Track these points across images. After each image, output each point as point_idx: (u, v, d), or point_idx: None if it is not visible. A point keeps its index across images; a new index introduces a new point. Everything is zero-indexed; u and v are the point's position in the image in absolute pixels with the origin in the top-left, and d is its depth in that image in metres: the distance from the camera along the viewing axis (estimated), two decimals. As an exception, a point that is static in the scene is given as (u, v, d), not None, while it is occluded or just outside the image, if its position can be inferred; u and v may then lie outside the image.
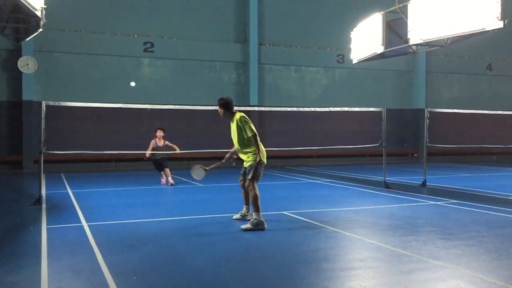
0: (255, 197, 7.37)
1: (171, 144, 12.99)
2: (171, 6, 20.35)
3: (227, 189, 12.94)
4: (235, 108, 8.06)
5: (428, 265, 5.31)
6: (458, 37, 10.73)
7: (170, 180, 13.08)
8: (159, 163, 13.14)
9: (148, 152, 12.79)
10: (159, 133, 13.01)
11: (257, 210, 7.31)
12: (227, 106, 7.71)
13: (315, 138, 21.11)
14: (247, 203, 7.88)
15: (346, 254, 6.03)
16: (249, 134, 7.38)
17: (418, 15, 10.69)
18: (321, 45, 22.50)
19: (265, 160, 7.53)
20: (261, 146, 7.51)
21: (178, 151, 12.82)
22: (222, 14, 21.14)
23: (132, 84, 13.61)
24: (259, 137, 7.53)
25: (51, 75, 18.70)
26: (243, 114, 7.65)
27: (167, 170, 13.13)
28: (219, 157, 8.91)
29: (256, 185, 7.44)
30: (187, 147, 15.38)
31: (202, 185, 13.46)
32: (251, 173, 7.44)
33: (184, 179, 14.59)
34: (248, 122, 7.47)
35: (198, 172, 8.30)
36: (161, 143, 13.00)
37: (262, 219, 7.27)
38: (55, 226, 7.54)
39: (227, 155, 8.47)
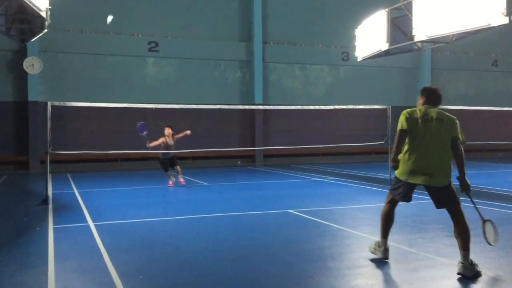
0: (382, 214, 5.72)
1: (181, 135, 12.48)
2: (175, 5, 20.35)
3: (231, 188, 12.94)
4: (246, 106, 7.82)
5: (435, 263, 5.30)
6: (463, 34, 10.69)
7: (181, 179, 12.63)
8: (168, 163, 12.57)
9: (153, 143, 12.10)
10: (168, 131, 12.40)
11: (381, 232, 5.60)
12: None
13: (320, 136, 21.09)
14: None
15: (352, 252, 6.02)
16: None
17: (423, 11, 10.65)
18: (325, 43, 22.45)
19: (401, 175, 5.31)
20: (402, 152, 5.32)
21: (188, 132, 12.38)
22: (226, 13, 21.13)
23: (109, 19, 12.60)
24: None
25: (56, 75, 18.76)
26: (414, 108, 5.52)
27: (178, 168, 12.62)
28: (223, 156, 8.90)
29: (389, 201, 5.70)
30: (192, 146, 15.39)
31: (207, 184, 13.49)
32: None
33: (189, 178, 14.61)
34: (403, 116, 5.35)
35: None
36: (171, 141, 12.41)
37: (384, 246, 5.53)
38: (62, 226, 7.57)
39: None
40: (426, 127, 5.19)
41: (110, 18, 10.84)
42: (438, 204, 5.41)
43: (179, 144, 12.96)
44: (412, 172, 5.18)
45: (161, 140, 12.28)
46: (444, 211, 8.34)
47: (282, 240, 6.59)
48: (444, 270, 5.07)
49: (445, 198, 5.32)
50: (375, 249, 5.58)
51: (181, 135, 12.46)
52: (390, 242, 6.22)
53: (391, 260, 5.53)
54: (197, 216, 8.47)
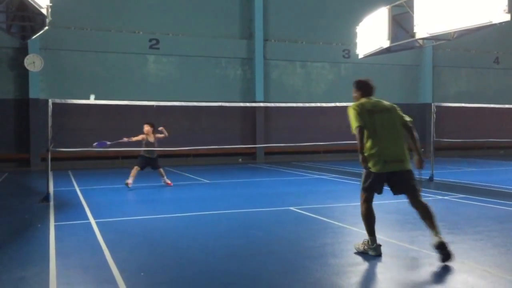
0: (363, 214, 5.75)
1: (161, 135, 11.76)
2: (176, 2, 20.34)
3: (232, 185, 12.94)
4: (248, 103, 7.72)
5: (436, 260, 5.29)
6: (465, 31, 10.67)
7: (167, 180, 12.04)
8: (148, 162, 11.78)
9: (133, 138, 11.52)
10: (147, 128, 11.67)
11: (367, 232, 5.63)
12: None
13: (321, 133, 21.06)
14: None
15: (353, 249, 6.02)
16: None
17: (424, 9, 10.63)
18: (326, 40, 22.43)
19: (374, 167, 5.40)
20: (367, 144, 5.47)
21: (167, 134, 11.70)
22: (227, 10, 21.11)
23: (92, 98, 12.63)
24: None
25: (57, 72, 18.76)
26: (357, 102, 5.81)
27: (161, 171, 12.00)
28: (224, 154, 8.90)
29: (365, 199, 5.75)
30: (193, 144, 15.41)
31: (208, 181, 13.49)
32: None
33: (190, 175, 14.62)
34: (353, 111, 5.61)
35: None
36: (152, 139, 11.73)
37: (375, 244, 5.54)
38: (63, 223, 7.58)
39: None
40: (380, 118, 5.45)
41: (92, 97, 11.04)
42: (400, 189, 5.54)
43: (180, 142, 12.94)
44: (385, 162, 5.34)
45: (141, 137, 11.67)
46: (447, 209, 8.32)
47: (283, 237, 6.59)
48: (445, 267, 5.07)
49: (408, 179, 5.44)
50: (365, 249, 5.55)
51: (161, 136, 11.76)
52: (391, 240, 6.22)
53: (392, 257, 5.53)
54: (198, 213, 8.47)
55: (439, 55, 24.28)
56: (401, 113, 5.68)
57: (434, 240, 5.15)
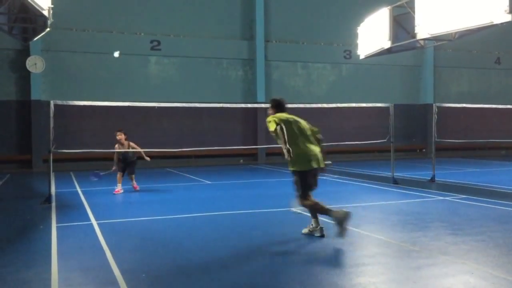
0: (310, 207, 6.54)
1: (135, 146, 11.56)
2: (177, 4, 20.36)
3: (234, 186, 12.94)
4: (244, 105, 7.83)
5: (437, 261, 5.29)
6: (466, 31, 10.65)
7: (135, 184, 11.64)
8: (127, 165, 11.55)
9: (115, 160, 11.51)
10: (120, 136, 11.43)
11: (324, 213, 6.46)
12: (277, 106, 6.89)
13: (323, 134, 20.84)
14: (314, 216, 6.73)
15: (355, 250, 6.02)
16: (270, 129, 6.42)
17: (425, 9, 10.62)
18: (327, 41, 22.42)
19: (300, 167, 6.40)
20: (300, 148, 6.42)
21: (142, 152, 11.52)
22: (228, 11, 21.13)
23: (116, 54, 12.54)
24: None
25: (59, 74, 18.79)
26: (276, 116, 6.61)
27: (133, 177, 11.66)
28: (226, 155, 8.91)
29: (305, 197, 6.47)
30: (194, 145, 15.42)
31: (209, 182, 13.50)
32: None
33: (191, 176, 14.63)
34: (271, 118, 6.50)
35: None
36: (126, 146, 11.49)
37: (317, 227, 6.56)
38: (65, 224, 7.59)
39: None
40: (297, 127, 6.61)
41: (117, 53, 11.03)
42: (316, 182, 6.60)
43: (181, 143, 12.94)
44: (310, 161, 6.45)
45: (117, 148, 11.52)
46: (448, 210, 8.33)
47: (284, 238, 6.58)
48: (447, 268, 5.07)
49: (318, 176, 6.63)
50: (310, 231, 6.61)
51: (136, 146, 11.53)
52: (392, 240, 6.23)
53: (394, 258, 5.54)
54: (200, 214, 8.48)
55: (440, 55, 24.26)
56: (310, 124, 6.94)
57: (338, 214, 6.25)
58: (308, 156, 6.43)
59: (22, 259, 5.55)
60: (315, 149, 6.58)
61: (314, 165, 6.43)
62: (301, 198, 6.47)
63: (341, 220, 6.15)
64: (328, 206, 6.42)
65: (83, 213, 8.59)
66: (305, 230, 6.70)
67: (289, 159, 6.32)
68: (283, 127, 6.35)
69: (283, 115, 6.64)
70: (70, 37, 18.75)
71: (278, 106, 6.89)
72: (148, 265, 5.28)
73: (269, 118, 6.53)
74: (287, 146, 6.28)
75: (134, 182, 11.69)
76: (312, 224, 6.63)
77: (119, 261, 5.39)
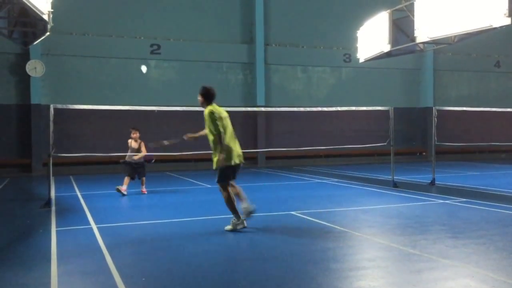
0: (226, 200, 7.13)
1: (144, 148, 11.57)
2: (177, 8, 20.40)
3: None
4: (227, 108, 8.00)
5: (438, 264, 5.28)
6: (465, 35, 10.68)
7: (144, 188, 11.79)
8: (135, 169, 11.55)
9: (134, 156, 11.40)
10: (135, 135, 11.59)
11: (232, 212, 7.11)
12: (206, 95, 7.29)
13: (323, 137, 21.07)
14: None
15: (355, 254, 6.01)
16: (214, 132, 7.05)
17: (425, 13, 10.65)
18: (327, 45, 22.46)
19: (230, 161, 7.06)
20: (228, 145, 7.08)
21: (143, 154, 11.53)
22: (228, 15, 21.17)
23: (143, 69, 13.13)
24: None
25: (59, 78, 18.80)
26: (212, 109, 7.11)
27: (143, 180, 11.77)
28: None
29: (225, 188, 7.14)
30: (194, 148, 15.35)
31: (209, 186, 13.49)
32: (216, 176, 7.19)
33: (191, 180, 14.62)
34: (215, 119, 7.02)
35: None
36: (136, 145, 11.59)
37: (240, 219, 7.13)
38: (65, 228, 7.58)
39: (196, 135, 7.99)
40: (227, 122, 7.22)
41: (144, 69, 11.74)
42: (235, 176, 7.29)
43: (181, 146, 12.92)
44: (237, 156, 7.15)
45: (131, 143, 11.64)
46: (448, 213, 8.35)
47: (285, 241, 6.58)
48: (447, 271, 5.06)
49: (239, 170, 7.29)
50: (233, 226, 7.10)
51: (143, 148, 11.57)
52: (393, 244, 6.22)
53: (394, 262, 5.53)
54: (200, 218, 8.47)
55: (440, 59, 24.29)
56: None
57: (249, 207, 7.16)
58: (235, 152, 7.15)
59: (21, 263, 5.54)
60: (238, 145, 7.28)
61: (238, 161, 7.19)
62: (223, 189, 7.16)
63: (233, 228, 7.08)
64: (236, 209, 7.10)
65: (82, 217, 8.58)
66: (228, 227, 7.14)
67: (220, 157, 7.00)
68: (224, 124, 7.05)
69: (221, 110, 7.22)
70: (70, 41, 18.77)
71: (209, 97, 7.29)
72: (148, 269, 5.27)
73: (210, 115, 7.06)
74: (224, 142, 6.97)
75: (144, 186, 11.74)
76: (234, 219, 7.15)
77: (119, 265, 5.38)
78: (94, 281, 4.94)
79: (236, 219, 7.10)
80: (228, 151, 7.05)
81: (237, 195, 7.24)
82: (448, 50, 23.41)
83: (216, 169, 7.19)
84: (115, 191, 11.30)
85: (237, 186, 7.30)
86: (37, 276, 5.09)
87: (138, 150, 11.59)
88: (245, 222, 7.14)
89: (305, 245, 6.33)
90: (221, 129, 6.98)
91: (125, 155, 11.66)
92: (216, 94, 7.37)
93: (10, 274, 5.15)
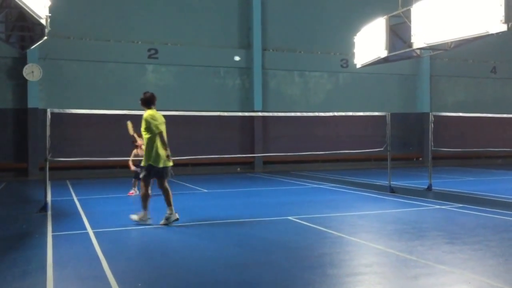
0: (144, 195, 8.11)
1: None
2: (174, 12, 20.43)
3: (231, 195, 12.92)
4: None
5: (434, 270, 5.28)
6: (462, 41, 10.72)
7: (136, 190, 11.87)
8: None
9: (131, 164, 11.81)
10: (141, 142, 11.46)
11: (144, 206, 8.11)
12: (145, 101, 8.27)
13: (320, 142, 21.10)
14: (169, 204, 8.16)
15: (352, 259, 6.01)
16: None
17: (422, 19, 10.69)
18: (324, 50, 22.51)
19: (158, 163, 7.87)
20: (157, 149, 7.88)
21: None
22: (225, 20, 21.20)
23: (237, 58, 13.72)
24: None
25: (56, 82, 18.78)
26: (152, 114, 8.06)
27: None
28: (223, 163, 8.95)
29: (146, 186, 8.09)
30: (192, 153, 15.38)
31: (206, 190, 13.48)
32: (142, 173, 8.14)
33: (188, 185, 14.61)
34: (150, 121, 7.92)
35: None
36: (142, 151, 11.48)
37: (147, 217, 8.07)
38: (61, 233, 7.56)
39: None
40: (163, 128, 8.06)
41: (237, 58, 12.57)
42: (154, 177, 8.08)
43: (178, 151, 12.92)
44: (164, 161, 7.88)
45: (134, 153, 11.99)
46: (445, 219, 8.37)
47: (282, 247, 6.57)
48: (444, 277, 5.06)
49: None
50: (141, 219, 8.01)
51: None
52: (390, 250, 6.23)
53: (391, 267, 5.53)
54: (196, 223, 8.46)
55: (436, 64, 24.38)
56: None
57: (173, 214, 8.04)
58: (163, 156, 7.91)
59: (17, 268, 5.51)
60: (168, 150, 7.99)
61: (164, 164, 7.93)
62: (144, 185, 8.02)
63: (139, 221, 8.02)
64: (147, 206, 8.09)
65: (79, 222, 8.56)
66: (162, 221, 7.98)
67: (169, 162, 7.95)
68: (161, 129, 7.92)
69: (157, 115, 8.09)
70: (68, 45, 18.76)
71: (148, 102, 8.24)
72: (144, 275, 5.26)
73: (150, 119, 7.92)
74: (167, 151, 7.92)
75: (135, 188, 11.99)
76: (167, 213, 8.04)
77: (115, 270, 5.36)
78: (90, 286, 4.92)
79: (143, 215, 8.06)
80: (157, 154, 7.86)
81: (165, 199, 8.14)
82: (445, 56, 23.49)
83: (144, 166, 8.02)
84: (124, 196, 11.66)
85: (166, 189, 8.06)
86: (33, 281, 5.06)
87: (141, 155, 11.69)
88: (150, 220, 8.07)
89: (301, 251, 6.32)
90: (156, 130, 7.90)
91: (126, 160, 11.83)
92: (155, 99, 8.31)
93: (6, 279, 5.12)
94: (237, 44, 21.37)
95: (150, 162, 7.87)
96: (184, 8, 20.57)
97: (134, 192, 12.00)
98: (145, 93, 8.38)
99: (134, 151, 12.03)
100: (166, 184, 8.05)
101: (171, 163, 8.05)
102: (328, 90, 22.79)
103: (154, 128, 7.86)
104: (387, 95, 23.49)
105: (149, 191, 8.12)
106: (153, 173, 7.97)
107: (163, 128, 8.04)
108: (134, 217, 8.11)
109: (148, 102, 8.24)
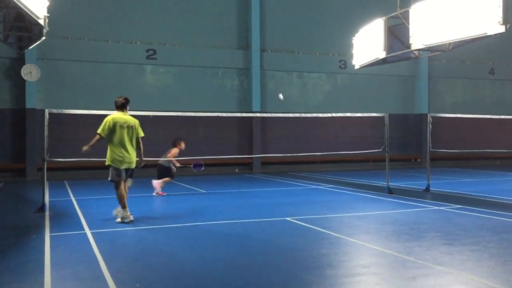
0: (117, 196, 8.46)
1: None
2: (173, 13, 20.43)
3: (229, 195, 12.92)
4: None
5: (432, 271, 5.29)
6: (460, 42, 10.75)
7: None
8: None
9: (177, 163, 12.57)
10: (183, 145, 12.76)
11: (122, 205, 8.44)
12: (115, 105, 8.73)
13: (318, 143, 21.11)
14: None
15: (350, 260, 6.01)
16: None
17: (420, 20, 10.71)
18: (323, 51, 22.53)
19: (114, 164, 8.34)
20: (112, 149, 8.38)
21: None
22: (224, 21, 21.21)
23: (280, 96, 14.41)
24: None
25: (54, 83, 18.76)
26: (112, 116, 8.58)
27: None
28: (221, 164, 8.95)
29: (117, 187, 8.44)
30: (190, 154, 15.34)
31: (204, 191, 13.48)
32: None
33: (186, 186, 14.60)
34: (105, 124, 8.44)
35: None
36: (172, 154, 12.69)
37: (128, 215, 8.42)
38: (59, 233, 7.54)
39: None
40: (123, 131, 8.31)
41: (281, 96, 13.07)
42: (128, 176, 8.55)
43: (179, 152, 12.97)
44: (122, 163, 8.31)
45: (176, 152, 12.70)
46: (443, 220, 8.38)
47: (280, 248, 6.57)
48: (442, 278, 5.06)
49: (131, 173, 8.58)
50: (123, 218, 8.31)
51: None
52: (388, 251, 6.23)
53: (389, 268, 5.53)
54: (194, 223, 8.45)
55: (434, 66, 24.42)
56: (139, 128, 8.58)
57: (129, 216, 8.36)
58: (118, 158, 8.29)
59: (14, 269, 5.50)
60: (131, 155, 8.38)
61: (126, 166, 8.34)
62: (115, 187, 8.43)
63: (124, 219, 8.31)
64: (126, 204, 8.39)
65: (77, 223, 8.55)
66: (118, 220, 8.38)
67: (86, 148, 8.57)
68: (103, 136, 8.38)
69: (121, 118, 8.43)
70: (66, 45, 18.75)
71: (118, 105, 8.69)
72: (143, 275, 5.25)
73: (107, 119, 8.44)
74: (91, 145, 8.53)
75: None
76: (121, 212, 8.40)
77: (113, 271, 5.35)
78: (88, 287, 4.91)
79: (124, 212, 8.38)
80: (109, 155, 8.38)
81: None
82: (443, 57, 23.54)
83: (106, 165, 8.51)
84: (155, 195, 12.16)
85: (125, 189, 8.51)
86: (31, 282, 5.05)
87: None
88: (131, 217, 8.42)
89: (299, 251, 6.32)
90: (101, 133, 8.38)
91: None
92: (121, 104, 8.67)
93: (3, 280, 5.11)
94: (235, 45, 21.38)
95: (109, 162, 8.41)
96: (182, 9, 20.58)
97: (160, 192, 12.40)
98: (119, 98, 8.83)
99: (175, 151, 12.58)
100: (120, 186, 8.38)
101: (123, 166, 8.32)
102: (326, 91, 22.81)
103: (99, 129, 8.42)
104: (386, 96, 23.52)
105: (123, 191, 8.42)
106: (116, 173, 8.40)
107: (122, 131, 8.35)
108: (116, 213, 8.56)
109: (117, 106, 8.70)
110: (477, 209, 9.61)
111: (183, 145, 12.70)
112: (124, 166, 8.31)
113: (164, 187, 12.52)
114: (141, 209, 10.38)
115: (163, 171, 12.52)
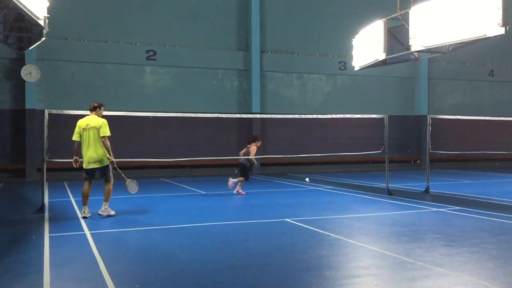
0: (84, 193, 9.24)
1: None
2: (173, 14, 20.45)
3: (228, 196, 12.91)
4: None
5: (432, 273, 5.29)
6: (460, 44, 10.74)
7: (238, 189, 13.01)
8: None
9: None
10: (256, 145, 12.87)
11: (84, 202, 9.12)
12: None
13: (317, 145, 21.11)
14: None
15: (349, 261, 6.01)
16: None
17: (420, 22, 10.71)
18: (323, 52, 22.55)
19: (84, 164, 9.07)
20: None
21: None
22: (224, 22, 21.23)
23: (307, 180, 15.29)
24: None
25: (54, 83, 18.77)
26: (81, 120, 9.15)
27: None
28: (221, 164, 8.94)
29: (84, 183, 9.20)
30: (189, 155, 15.40)
31: (203, 192, 13.47)
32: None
33: (186, 187, 14.60)
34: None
35: (132, 186, 9.88)
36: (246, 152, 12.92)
37: (87, 212, 9.10)
38: (58, 234, 7.54)
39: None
40: (87, 133, 8.91)
41: (307, 179, 14.79)
42: (99, 176, 9.13)
43: (176, 152, 12.95)
44: (87, 163, 8.94)
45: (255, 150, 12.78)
46: (442, 221, 8.38)
47: (279, 249, 6.57)
48: (441, 280, 5.06)
49: (104, 173, 9.07)
50: (84, 213, 8.94)
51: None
52: (387, 252, 6.23)
53: (388, 270, 5.53)
54: (194, 224, 8.45)
55: (434, 67, 24.44)
56: (104, 128, 8.95)
57: (85, 213, 8.97)
58: (85, 158, 8.95)
59: (14, 270, 5.50)
60: (96, 155, 8.89)
61: (92, 166, 8.96)
62: (84, 183, 9.05)
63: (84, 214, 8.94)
64: (87, 202, 9.05)
65: (76, 223, 8.54)
66: (104, 214, 9.04)
67: (75, 165, 9.15)
68: (79, 132, 8.98)
69: (84, 122, 9.06)
70: (66, 46, 18.76)
71: (90, 110, 9.38)
72: (142, 276, 5.25)
73: (77, 127, 9.07)
74: (77, 155, 9.10)
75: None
76: (107, 210, 9.14)
77: (113, 272, 5.35)
78: (87, 287, 4.90)
79: (86, 210, 9.03)
80: (83, 156, 8.99)
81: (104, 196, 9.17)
82: (443, 59, 23.57)
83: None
84: (236, 194, 12.51)
85: (108, 188, 9.18)
86: (30, 282, 5.05)
87: (246, 153, 12.78)
88: (88, 214, 9.06)
89: (299, 253, 6.32)
90: (74, 139, 8.98)
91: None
92: (92, 107, 9.37)
93: (3, 280, 5.11)
94: (235, 46, 21.40)
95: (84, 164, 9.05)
96: (182, 10, 20.59)
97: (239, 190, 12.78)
98: (93, 101, 9.60)
99: (254, 149, 12.73)
100: (85, 184, 9.10)
101: (90, 166, 8.96)
102: (326, 92, 22.83)
103: (73, 136, 9.03)
104: (385, 98, 23.53)
105: (87, 189, 9.13)
106: (85, 173, 9.13)
107: (86, 133, 8.95)
108: (103, 210, 9.21)
109: (89, 109, 9.36)
110: (476, 211, 9.61)
111: (259, 143, 12.99)
112: (89, 166, 8.93)
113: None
114: (140, 210, 10.38)
115: (243, 170, 12.84)
